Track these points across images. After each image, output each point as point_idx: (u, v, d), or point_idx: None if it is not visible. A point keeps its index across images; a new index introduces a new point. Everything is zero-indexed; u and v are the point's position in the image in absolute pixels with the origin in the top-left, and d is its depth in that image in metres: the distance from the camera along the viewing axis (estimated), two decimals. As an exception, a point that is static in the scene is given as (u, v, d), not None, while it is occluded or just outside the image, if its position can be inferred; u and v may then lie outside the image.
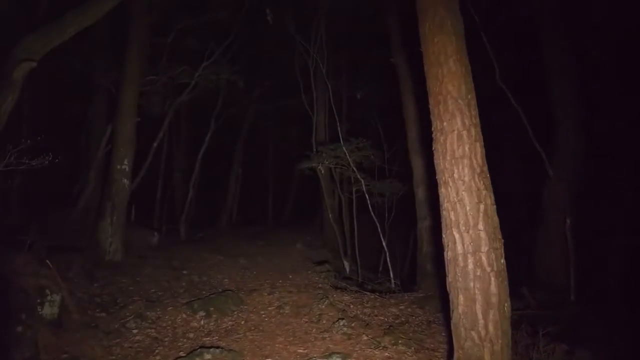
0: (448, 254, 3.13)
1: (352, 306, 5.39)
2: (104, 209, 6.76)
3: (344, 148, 8.13)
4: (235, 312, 5.00)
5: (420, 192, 7.54)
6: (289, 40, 10.08)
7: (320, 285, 6.61)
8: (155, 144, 9.61)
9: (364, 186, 8.16)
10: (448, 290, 3.19)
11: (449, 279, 3.14)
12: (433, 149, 3.26)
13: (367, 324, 4.63)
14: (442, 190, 3.15)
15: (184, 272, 6.83)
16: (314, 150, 10.32)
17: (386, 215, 9.95)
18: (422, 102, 8.20)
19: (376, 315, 5.01)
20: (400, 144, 9.99)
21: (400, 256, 11.27)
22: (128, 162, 6.85)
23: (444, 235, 3.21)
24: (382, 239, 7.97)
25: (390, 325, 4.62)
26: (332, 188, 11.10)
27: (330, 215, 10.73)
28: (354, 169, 8.24)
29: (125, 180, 6.84)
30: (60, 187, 10.60)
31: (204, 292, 5.76)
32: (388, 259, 7.72)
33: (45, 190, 11.23)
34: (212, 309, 4.88)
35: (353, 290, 6.39)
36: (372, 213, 8.16)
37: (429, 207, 7.47)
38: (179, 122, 14.09)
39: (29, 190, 10.46)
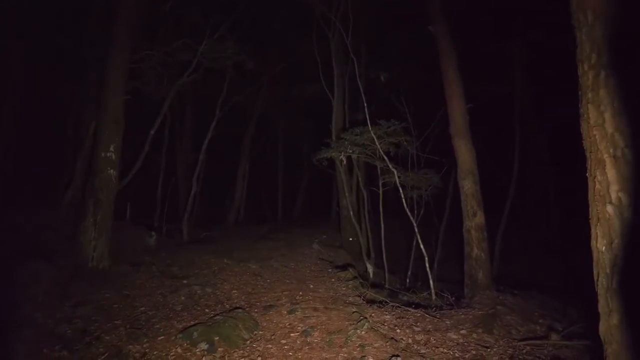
0: None
1: (398, 330, 4.13)
2: (86, 205, 5.57)
3: (371, 133, 6.84)
4: (249, 343, 3.75)
5: (468, 184, 6.23)
6: (306, 12, 8.79)
7: (350, 298, 5.36)
8: (152, 132, 8.39)
9: (397, 178, 6.86)
10: None
11: None
12: None
13: (432, 363, 3.37)
14: None
15: (184, 281, 5.70)
16: (333, 137, 9.09)
17: (415, 212, 8.66)
18: (467, 78, 7.00)
19: (436, 347, 3.74)
20: (434, 129, 8.68)
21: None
22: (115, 148, 5.64)
23: None
24: (419, 241, 6.67)
25: (465, 366, 3.35)
26: (350, 181, 9.89)
27: (350, 213, 9.54)
28: (385, 157, 6.96)
29: (112, 170, 5.63)
30: (50, 181, 9.61)
31: (207, 310, 4.55)
32: (427, 265, 6.42)
33: (34, 183, 10.30)
34: (217, 338, 3.63)
35: (391, 304, 5.13)
36: (406, 209, 6.87)
37: (479, 202, 6.20)
38: (182, 113, 12.94)
39: (18, 184, 9.55)
